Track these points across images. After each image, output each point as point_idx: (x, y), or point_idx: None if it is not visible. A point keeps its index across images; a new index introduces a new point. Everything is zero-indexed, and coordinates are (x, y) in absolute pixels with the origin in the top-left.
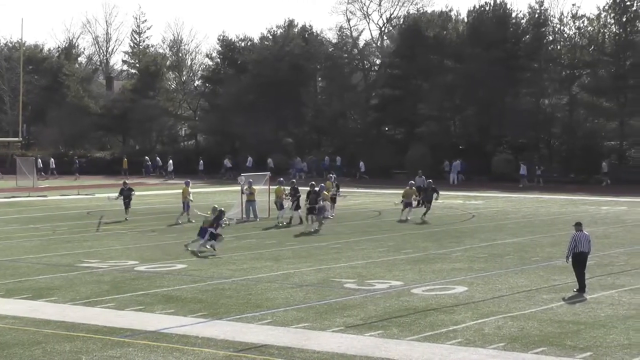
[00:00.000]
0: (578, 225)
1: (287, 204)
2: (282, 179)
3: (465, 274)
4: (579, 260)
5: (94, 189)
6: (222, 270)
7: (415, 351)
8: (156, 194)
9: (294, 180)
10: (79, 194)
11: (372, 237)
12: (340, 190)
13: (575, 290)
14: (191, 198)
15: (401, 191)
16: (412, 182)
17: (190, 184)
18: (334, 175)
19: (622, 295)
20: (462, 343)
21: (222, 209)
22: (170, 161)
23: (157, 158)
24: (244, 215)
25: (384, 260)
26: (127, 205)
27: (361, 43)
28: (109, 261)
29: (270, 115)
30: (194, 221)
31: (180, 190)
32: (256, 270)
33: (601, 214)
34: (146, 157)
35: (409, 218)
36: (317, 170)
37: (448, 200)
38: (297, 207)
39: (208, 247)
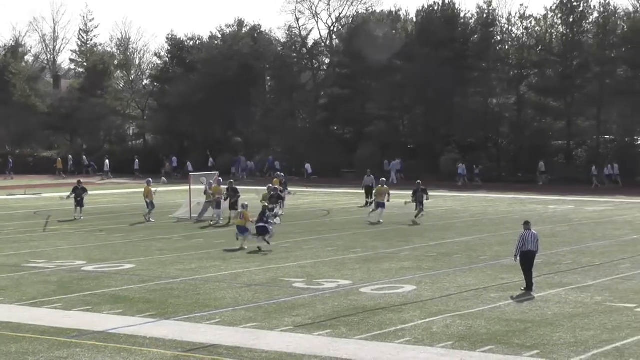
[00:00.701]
0: (526, 224)
1: (224, 203)
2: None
3: (413, 273)
4: (526, 259)
5: (41, 189)
6: (170, 270)
7: (364, 350)
8: (103, 193)
9: (232, 181)
10: (25, 194)
11: (321, 237)
12: (290, 189)
13: (523, 288)
14: (153, 196)
15: (351, 190)
16: (419, 182)
17: (152, 183)
18: (283, 174)
19: (569, 293)
20: (410, 342)
21: (266, 203)
22: (107, 161)
23: (84, 157)
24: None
25: (332, 259)
26: (79, 204)
27: (310, 42)
28: (56, 261)
29: (219, 115)
30: (153, 220)
31: (142, 190)
32: (204, 270)
33: (548, 213)
34: (84, 157)
35: (380, 221)
36: (261, 170)
37: (396, 199)
38: (234, 207)
39: (266, 241)
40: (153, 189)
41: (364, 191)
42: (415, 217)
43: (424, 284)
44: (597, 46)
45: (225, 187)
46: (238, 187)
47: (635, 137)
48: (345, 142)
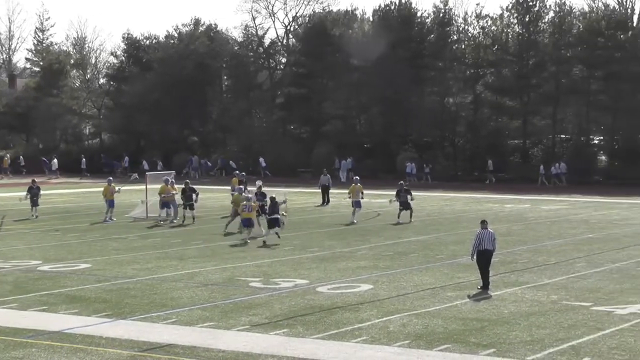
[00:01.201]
0: (483, 223)
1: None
2: (167, 177)
3: (370, 272)
4: (483, 258)
5: None
6: (126, 269)
7: (321, 349)
8: (59, 192)
9: (188, 181)
10: None
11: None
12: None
13: (479, 287)
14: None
15: (308, 189)
16: (402, 182)
17: (113, 182)
18: (243, 173)
19: (525, 292)
20: (367, 341)
21: (273, 195)
22: (55, 160)
23: (21, 157)
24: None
25: (289, 258)
26: (34, 203)
27: (267, 42)
28: (11, 261)
29: (175, 114)
30: (114, 219)
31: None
32: (161, 269)
33: (505, 212)
34: (43, 158)
35: (354, 222)
36: (222, 168)
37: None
38: (191, 207)
39: (273, 233)
40: (116, 188)
41: (320, 190)
42: (398, 217)
43: (380, 283)
44: (553, 46)
45: (181, 186)
46: (194, 187)
47: (591, 137)
48: (302, 141)
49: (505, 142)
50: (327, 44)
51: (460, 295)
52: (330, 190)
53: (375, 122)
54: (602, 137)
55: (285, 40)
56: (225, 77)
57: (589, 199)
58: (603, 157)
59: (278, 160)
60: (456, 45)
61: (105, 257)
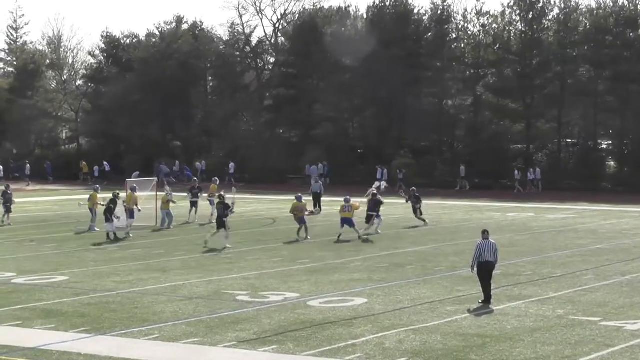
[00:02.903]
0: (484, 233)
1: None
2: (135, 185)
3: (364, 285)
4: (484, 270)
5: None
6: (106, 282)
7: None
8: (35, 200)
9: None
10: None
11: (266, 247)
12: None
13: (480, 301)
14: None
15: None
16: (414, 189)
17: (100, 190)
18: (218, 179)
19: (530, 306)
20: (361, 358)
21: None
22: (28, 165)
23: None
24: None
25: (278, 270)
26: (7, 209)
27: (254, 40)
28: None
29: (157, 117)
30: (98, 229)
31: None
32: (142, 282)
33: (507, 221)
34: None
35: (308, 237)
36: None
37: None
38: (108, 220)
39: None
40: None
41: (311, 198)
42: (418, 217)
43: (375, 297)
44: (558, 44)
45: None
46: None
47: (599, 141)
48: (292, 145)
49: (508, 147)
50: (318, 43)
51: (461, 310)
52: (322, 198)
53: (368, 126)
54: (610, 142)
55: (273, 39)
56: (210, 78)
57: (597, 207)
58: (612, 163)
59: (266, 165)
60: (455, 44)
61: (83, 268)
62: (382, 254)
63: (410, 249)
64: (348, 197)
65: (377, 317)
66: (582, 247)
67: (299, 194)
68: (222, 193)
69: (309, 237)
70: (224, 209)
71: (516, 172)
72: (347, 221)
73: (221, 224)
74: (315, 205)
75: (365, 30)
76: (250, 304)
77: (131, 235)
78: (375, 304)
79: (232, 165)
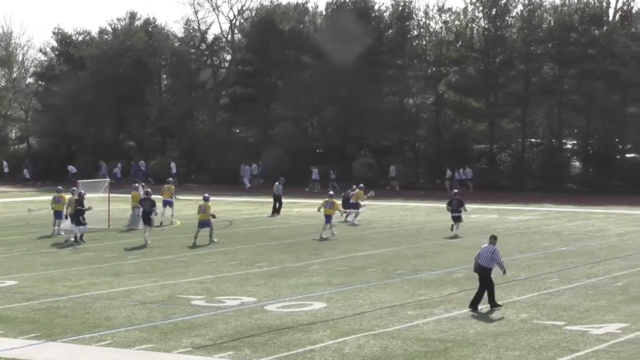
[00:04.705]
0: (491, 239)
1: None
2: (75, 187)
3: (323, 288)
4: (478, 274)
5: None
6: (57, 286)
7: None
8: None
9: (82, 191)
10: None
11: (222, 250)
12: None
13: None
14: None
15: (255, 198)
16: (456, 191)
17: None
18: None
19: (493, 310)
20: None
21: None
22: None
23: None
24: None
25: (235, 274)
26: None
27: (210, 37)
28: None
29: (110, 116)
30: (63, 233)
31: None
32: (95, 286)
33: (470, 223)
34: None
35: (214, 240)
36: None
37: (305, 208)
38: (79, 223)
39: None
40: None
41: (272, 200)
42: (452, 229)
43: (334, 301)
44: (522, 42)
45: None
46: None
47: (563, 140)
48: (249, 145)
49: (471, 147)
50: (276, 40)
51: (422, 314)
52: (282, 200)
53: (328, 125)
54: (575, 141)
55: (230, 36)
56: (164, 76)
57: (562, 208)
58: (577, 163)
59: (222, 166)
60: (417, 41)
61: (33, 273)
62: (342, 257)
63: (371, 251)
64: (331, 192)
65: (337, 322)
66: (546, 250)
67: (207, 194)
68: (148, 190)
69: (215, 239)
70: (150, 206)
71: (448, 171)
72: (328, 219)
73: (147, 220)
74: (274, 207)
75: (324, 26)
76: (206, 309)
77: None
78: (334, 309)
79: (173, 165)
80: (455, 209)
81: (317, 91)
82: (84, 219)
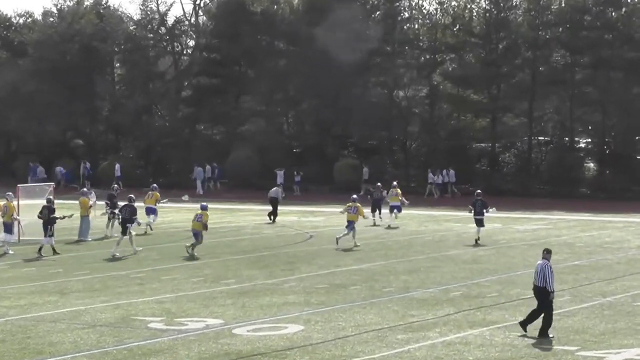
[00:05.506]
0: (544, 252)
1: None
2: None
3: (300, 309)
4: (535, 294)
5: None
6: None
7: None
8: None
9: (50, 197)
10: None
11: (184, 264)
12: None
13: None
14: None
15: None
16: (479, 192)
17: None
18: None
19: (495, 333)
20: None
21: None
22: None
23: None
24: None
25: (199, 293)
26: None
27: (171, 20)
28: None
29: (55, 111)
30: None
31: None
32: (37, 307)
33: (469, 233)
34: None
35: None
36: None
37: (280, 217)
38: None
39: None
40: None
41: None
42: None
43: (313, 323)
44: (528, 25)
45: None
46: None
47: (576, 139)
48: (215, 144)
49: (470, 146)
50: (246, 23)
51: (414, 338)
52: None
53: (306, 121)
54: (589, 140)
55: (193, 19)
56: (118, 65)
57: (574, 216)
58: (591, 165)
59: (186, 168)
60: (408, 25)
61: None
62: (321, 273)
63: (355, 266)
64: (355, 196)
65: (316, 348)
66: (556, 264)
67: (204, 203)
68: (131, 196)
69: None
70: (130, 214)
71: (430, 173)
72: (350, 224)
73: (125, 229)
74: (273, 214)
75: (302, 8)
76: (165, 333)
77: (11, 251)
78: (313, 332)
79: (118, 166)
80: (479, 211)
81: (293, 82)
82: (52, 229)
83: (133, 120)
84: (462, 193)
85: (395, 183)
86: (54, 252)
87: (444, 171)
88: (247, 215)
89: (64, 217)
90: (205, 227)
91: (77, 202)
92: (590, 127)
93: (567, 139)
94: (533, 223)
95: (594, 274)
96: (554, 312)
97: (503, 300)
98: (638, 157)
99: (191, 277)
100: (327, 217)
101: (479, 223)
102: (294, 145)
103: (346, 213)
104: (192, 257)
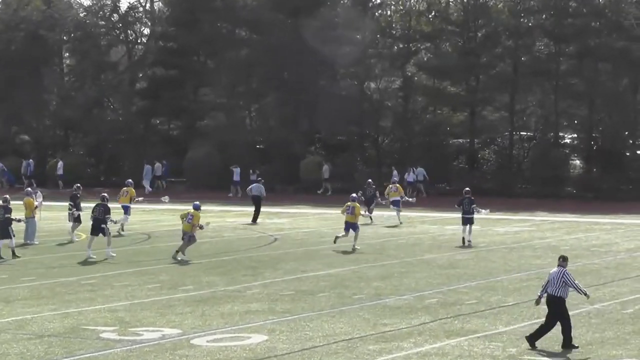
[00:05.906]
0: (560, 259)
1: None
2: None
3: (264, 317)
4: (549, 305)
5: None
6: None
7: None
8: None
9: (7, 196)
10: None
11: (139, 269)
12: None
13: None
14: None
15: (179, 206)
16: (467, 189)
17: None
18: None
19: (474, 343)
20: None
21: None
22: None
23: None
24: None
25: (154, 300)
26: None
27: (124, 6)
28: None
29: None
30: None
31: None
32: None
33: (446, 236)
34: None
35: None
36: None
37: (239, 218)
38: (8, 235)
39: None
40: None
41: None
42: (464, 238)
43: (278, 333)
44: (509, 12)
45: None
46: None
47: (561, 134)
48: (172, 140)
49: (447, 142)
50: (205, 10)
51: (386, 349)
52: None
53: (271, 115)
54: (575, 135)
55: (148, 5)
56: (67, 55)
57: (559, 217)
58: (577, 162)
59: (139, 165)
60: (379, 11)
61: None
62: (287, 279)
63: (323, 271)
64: (354, 195)
65: (281, 359)
66: (540, 269)
67: (197, 202)
68: (104, 194)
69: (185, 257)
70: (104, 213)
71: (394, 172)
72: (351, 226)
73: (96, 229)
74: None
75: None
76: (119, 343)
77: None
78: (278, 342)
79: (60, 164)
80: (467, 210)
81: (256, 74)
82: (12, 230)
83: (83, 115)
84: (439, 193)
85: (370, 180)
86: (14, 255)
87: (412, 169)
88: (207, 217)
89: (19, 220)
90: (200, 226)
91: (21, 202)
92: (576, 122)
93: (551, 134)
94: (515, 225)
95: (581, 280)
96: (537, 320)
97: (482, 307)
98: (627, 154)
99: (146, 283)
100: (294, 218)
101: (468, 222)
102: (257, 141)
103: (345, 214)
104: (181, 262)
